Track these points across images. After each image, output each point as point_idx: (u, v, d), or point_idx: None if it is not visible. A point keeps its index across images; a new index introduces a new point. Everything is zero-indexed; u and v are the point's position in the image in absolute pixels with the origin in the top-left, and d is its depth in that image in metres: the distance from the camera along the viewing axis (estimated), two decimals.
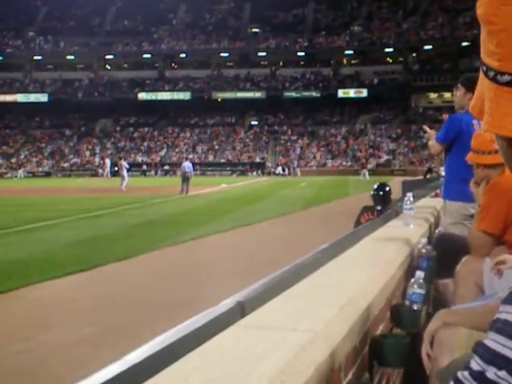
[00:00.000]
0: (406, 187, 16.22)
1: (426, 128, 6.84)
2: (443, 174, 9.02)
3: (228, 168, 75.62)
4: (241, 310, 2.18)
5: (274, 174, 71.11)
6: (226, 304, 2.15)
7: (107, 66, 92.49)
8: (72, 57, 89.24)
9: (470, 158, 4.34)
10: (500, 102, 0.79)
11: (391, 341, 2.68)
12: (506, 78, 0.77)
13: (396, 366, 2.97)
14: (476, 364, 1.25)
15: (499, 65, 0.78)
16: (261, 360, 1.70)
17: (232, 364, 1.68)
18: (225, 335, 1.96)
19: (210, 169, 73.77)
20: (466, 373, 1.27)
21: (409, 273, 4.06)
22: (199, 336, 1.87)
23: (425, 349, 2.54)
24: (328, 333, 2.06)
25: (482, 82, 0.84)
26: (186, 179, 34.09)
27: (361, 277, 2.97)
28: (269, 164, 76.44)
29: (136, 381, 1.53)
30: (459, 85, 6.12)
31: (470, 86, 5.89)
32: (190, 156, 69.42)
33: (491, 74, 0.79)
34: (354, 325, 2.34)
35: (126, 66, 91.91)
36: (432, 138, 6.33)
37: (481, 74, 0.84)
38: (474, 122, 5.80)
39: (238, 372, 1.61)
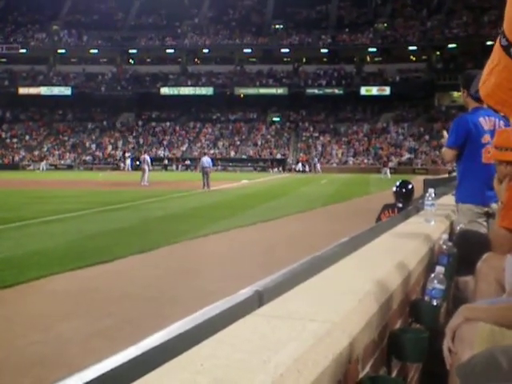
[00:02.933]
0: (428, 185, 16.09)
1: (444, 133, 6.78)
2: None
3: (249, 164, 75.68)
4: (259, 300, 2.16)
5: (295, 170, 71.07)
6: (244, 293, 2.14)
7: (130, 61, 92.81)
8: (95, 51, 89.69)
9: (493, 154, 4.28)
10: None
11: (410, 335, 2.65)
12: None
13: (414, 361, 2.95)
14: None
15: None
16: (278, 348, 1.68)
17: (248, 351, 1.66)
18: (242, 323, 1.94)
19: (231, 164, 73.81)
20: None
21: (429, 269, 4.03)
22: (216, 323, 1.85)
23: (447, 344, 2.52)
24: (346, 324, 2.04)
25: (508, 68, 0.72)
26: (205, 174, 34.38)
27: (380, 270, 2.94)
28: (290, 160, 76.40)
29: (152, 365, 1.52)
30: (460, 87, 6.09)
31: (466, 85, 5.88)
32: (211, 151, 69.79)
33: None
34: (372, 318, 2.32)
35: (148, 60, 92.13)
36: None
37: (502, 60, 0.73)
38: (481, 119, 5.75)
39: (254, 359, 1.60)
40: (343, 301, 2.28)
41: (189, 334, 1.72)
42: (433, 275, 3.23)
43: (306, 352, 1.70)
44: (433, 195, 5.67)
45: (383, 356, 2.54)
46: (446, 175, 29.95)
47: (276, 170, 72.56)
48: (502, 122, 5.80)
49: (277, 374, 1.52)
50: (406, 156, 73.98)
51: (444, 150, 6.18)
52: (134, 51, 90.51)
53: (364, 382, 2.09)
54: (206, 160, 35.77)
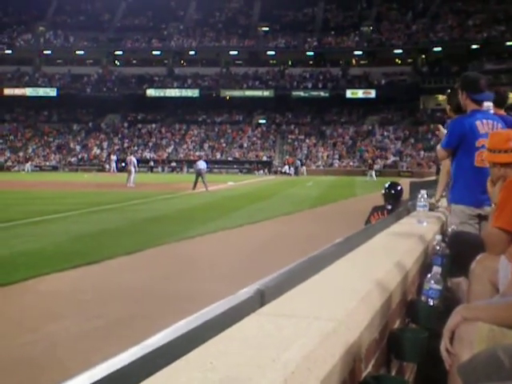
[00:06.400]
0: (414, 188, 16.14)
1: (439, 126, 6.83)
2: None
3: (235, 166, 75.68)
4: (261, 299, 2.16)
5: (281, 172, 71.13)
6: (246, 292, 2.13)
7: (116, 62, 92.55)
8: (81, 52, 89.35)
9: (486, 156, 4.29)
10: None
11: (410, 335, 2.66)
12: None
13: (413, 361, 2.95)
14: None
15: None
16: (286, 346, 1.68)
17: (257, 349, 1.65)
18: (247, 322, 1.94)
19: (216, 166, 73.54)
20: None
21: (423, 269, 4.03)
22: (220, 322, 1.84)
23: (444, 345, 2.51)
24: (351, 322, 2.04)
25: None
26: (200, 176, 35.21)
27: (379, 270, 2.95)
28: (276, 163, 76.50)
29: (159, 364, 1.51)
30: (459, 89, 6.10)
31: (465, 87, 5.94)
32: (197, 153, 69.80)
33: None
34: (374, 316, 2.32)
35: (134, 62, 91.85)
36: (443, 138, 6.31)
37: None
38: (478, 122, 5.77)
39: (263, 357, 1.59)
40: (346, 299, 2.28)
41: (194, 332, 1.71)
42: (429, 275, 3.24)
43: (314, 350, 1.69)
44: (425, 196, 5.68)
45: (383, 355, 2.54)
46: (433, 177, 30.03)
47: (262, 172, 72.55)
48: (499, 125, 5.83)
49: (288, 371, 1.51)
50: (392, 159, 74.20)
51: (438, 148, 6.22)
52: (120, 53, 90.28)
53: (368, 381, 2.08)
54: (201, 163, 36.28)
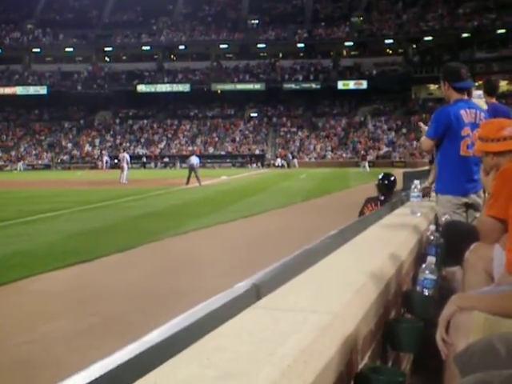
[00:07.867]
0: (407, 178, 16.15)
1: (420, 124, 6.87)
2: None
3: (228, 160, 75.56)
4: (256, 293, 2.16)
5: (274, 165, 71.05)
6: (242, 286, 2.13)
7: (106, 58, 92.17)
8: (71, 49, 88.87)
9: (478, 146, 4.28)
10: None
11: (405, 325, 2.66)
12: None
13: (409, 351, 2.96)
14: None
15: None
16: (282, 340, 1.68)
17: (253, 344, 1.66)
18: (243, 316, 1.94)
19: (209, 161, 73.33)
20: None
21: (418, 259, 4.04)
22: (216, 317, 1.85)
23: (440, 334, 2.52)
24: (347, 315, 2.05)
25: None
26: (193, 171, 35.34)
27: (374, 262, 2.95)
28: (268, 156, 76.43)
29: (156, 360, 1.52)
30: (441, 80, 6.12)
31: (447, 77, 5.95)
32: (190, 148, 69.80)
33: None
34: (369, 308, 2.33)
35: (124, 58, 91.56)
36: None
37: None
38: (462, 111, 5.77)
39: (259, 352, 1.59)
40: (341, 292, 2.28)
41: (190, 328, 1.72)
42: (424, 265, 3.24)
43: (311, 343, 1.70)
44: (418, 187, 5.69)
45: (379, 346, 2.55)
46: (426, 167, 30.00)
47: (255, 165, 72.50)
48: (482, 114, 5.84)
49: (284, 365, 1.51)
50: (384, 149, 74.23)
51: (422, 139, 6.21)
52: (110, 49, 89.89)
53: (364, 373, 2.08)
54: (194, 158, 36.58)
